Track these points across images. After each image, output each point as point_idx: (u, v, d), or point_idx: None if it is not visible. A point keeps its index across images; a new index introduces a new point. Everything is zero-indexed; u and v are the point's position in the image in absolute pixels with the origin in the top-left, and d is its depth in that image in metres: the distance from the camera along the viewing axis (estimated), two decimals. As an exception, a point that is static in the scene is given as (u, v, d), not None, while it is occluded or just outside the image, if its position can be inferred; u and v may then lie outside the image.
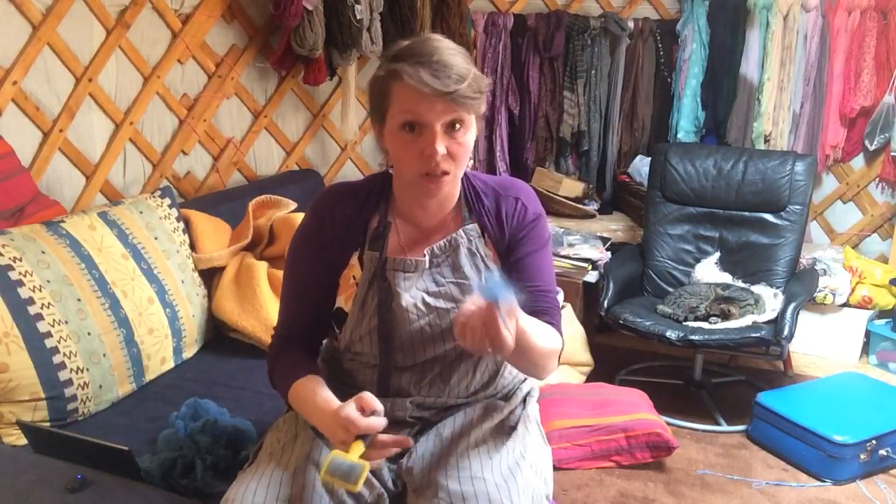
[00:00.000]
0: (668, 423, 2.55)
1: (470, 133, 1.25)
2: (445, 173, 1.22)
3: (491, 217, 1.36)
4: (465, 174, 1.36)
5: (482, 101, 1.24)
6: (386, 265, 1.32)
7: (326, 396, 1.24)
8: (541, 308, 1.33)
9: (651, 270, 3.14)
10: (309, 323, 1.40)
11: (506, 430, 1.38)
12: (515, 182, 1.42)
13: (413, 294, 1.31)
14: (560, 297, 2.98)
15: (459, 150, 1.23)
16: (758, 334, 2.58)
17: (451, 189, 1.31)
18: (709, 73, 3.47)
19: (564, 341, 1.37)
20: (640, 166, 3.53)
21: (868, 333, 3.27)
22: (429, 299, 1.32)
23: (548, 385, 2.57)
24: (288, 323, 1.41)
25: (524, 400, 1.48)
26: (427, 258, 1.32)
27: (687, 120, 3.51)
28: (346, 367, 1.43)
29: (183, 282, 2.21)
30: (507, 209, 1.36)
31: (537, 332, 1.22)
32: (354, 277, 1.35)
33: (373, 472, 1.24)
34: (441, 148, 1.19)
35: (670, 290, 3.01)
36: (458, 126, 1.22)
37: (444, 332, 1.32)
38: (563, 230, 3.33)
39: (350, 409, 1.15)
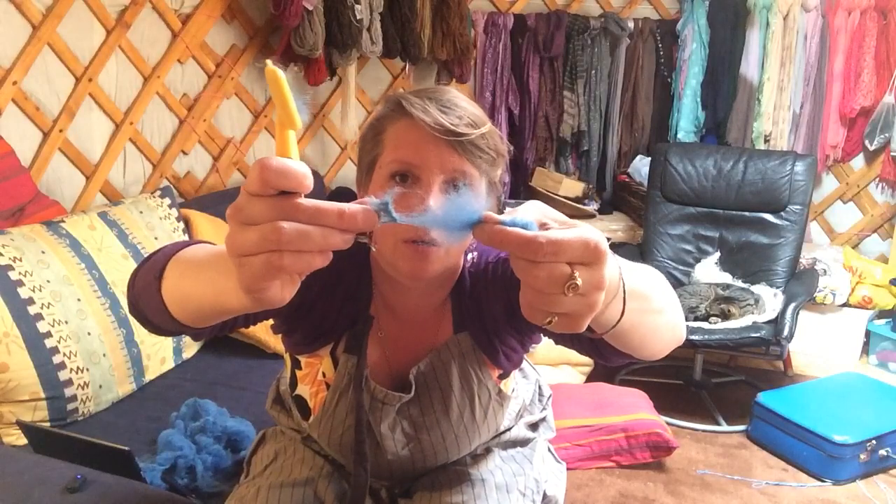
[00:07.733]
0: (668, 423, 2.55)
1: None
2: (433, 244, 0.93)
3: (478, 323, 1.09)
4: (464, 268, 1.08)
5: (497, 165, 1.00)
6: (364, 382, 1.09)
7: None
8: None
9: (651, 270, 3.13)
10: None
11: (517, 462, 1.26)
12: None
13: (391, 422, 1.13)
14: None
15: None
16: (758, 334, 2.58)
17: (440, 273, 0.99)
18: (709, 73, 3.47)
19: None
20: (640, 166, 3.53)
21: (868, 333, 3.27)
22: (409, 429, 1.14)
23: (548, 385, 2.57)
24: None
25: (536, 426, 1.37)
26: (413, 386, 1.10)
27: (687, 120, 3.51)
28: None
29: (183, 282, 2.21)
30: (480, 290, 1.08)
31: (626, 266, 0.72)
32: (324, 375, 1.14)
33: None
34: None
35: (670, 290, 3.01)
36: (461, 185, 0.96)
37: (428, 460, 1.17)
38: (563, 230, 3.32)
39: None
